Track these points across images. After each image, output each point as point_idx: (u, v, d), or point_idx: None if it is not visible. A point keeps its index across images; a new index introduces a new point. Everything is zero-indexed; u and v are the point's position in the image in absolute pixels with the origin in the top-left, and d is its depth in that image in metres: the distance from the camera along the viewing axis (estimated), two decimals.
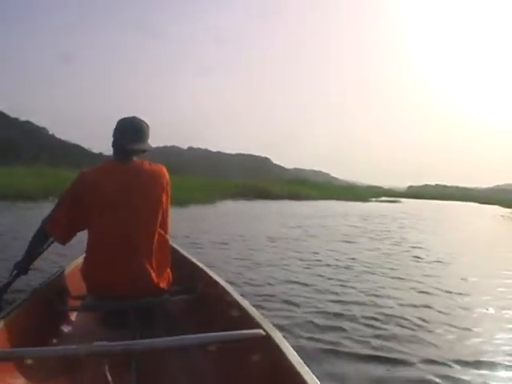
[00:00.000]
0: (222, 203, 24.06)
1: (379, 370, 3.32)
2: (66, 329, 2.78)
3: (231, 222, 14.87)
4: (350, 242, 10.98)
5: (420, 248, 10.33)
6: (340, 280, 6.32)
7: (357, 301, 5.16)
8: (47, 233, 2.67)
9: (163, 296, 2.63)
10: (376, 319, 4.44)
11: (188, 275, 3.15)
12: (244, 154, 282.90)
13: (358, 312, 4.65)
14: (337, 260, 8.11)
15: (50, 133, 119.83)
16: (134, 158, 2.67)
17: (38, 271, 3.89)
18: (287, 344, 1.82)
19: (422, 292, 5.88)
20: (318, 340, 3.79)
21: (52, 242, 2.81)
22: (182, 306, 2.90)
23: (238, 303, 2.39)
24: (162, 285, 2.59)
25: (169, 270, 2.69)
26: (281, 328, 2.87)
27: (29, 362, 1.96)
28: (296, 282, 6.03)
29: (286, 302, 4.95)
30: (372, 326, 4.23)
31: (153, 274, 2.53)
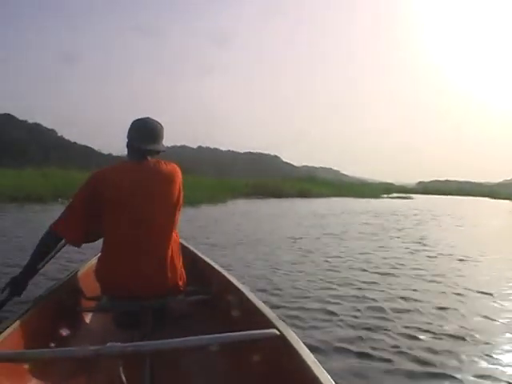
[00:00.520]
0: (233, 203, 23.83)
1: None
2: (80, 330, 2.77)
3: (246, 222, 14.53)
4: (371, 240, 10.65)
5: (446, 246, 10.00)
6: (372, 283, 5.96)
7: (395, 308, 4.78)
8: (58, 234, 2.54)
9: (178, 296, 2.63)
10: (417, 329, 4.10)
11: (202, 275, 3.14)
12: (254, 153, 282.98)
13: (396, 320, 4.34)
14: (362, 261, 7.74)
15: (59, 134, 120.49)
16: (149, 158, 2.63)
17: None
18: (302, 344, 1.79)
19: (459, 294, 5.52)
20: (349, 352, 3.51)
21: (63, 246, 2.71)
22: (196, 307, 2.86)
23: (252, 303, 2.36)
24: (177, 285, 2.58)
25: (183, 271, 2.67)
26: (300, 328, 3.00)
27: (43, 363, 1.99)
28: (325, 287, 5.59)
29: (319, 310, 4.59)
30: (411, 337, 3.92)
31: (168, 275, 2.52)
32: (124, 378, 1.64)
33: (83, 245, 2.62)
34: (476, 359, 3.45)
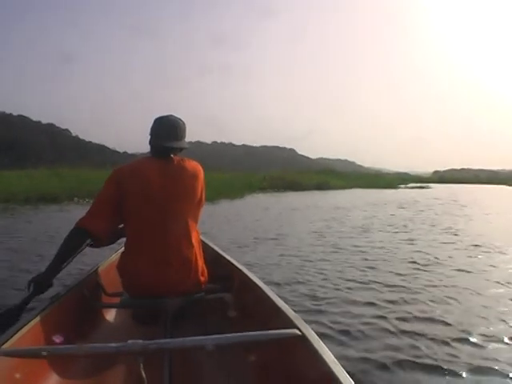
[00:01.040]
0: (251, 197, 23.47)
1: None
2: (100, 326, 2.78)
3: (267, 217, 13.77)
4: (403, 232, 10.06)
5: (483, 237, 9.50)
6: (415, 280, 5.46)
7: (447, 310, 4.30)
8: (84, 229, 2.47)
9: (199, 294, 2.64)
10: (476, 335, 3.63)
11: (222, 273, 3.09)
12: (269, 146, 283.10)
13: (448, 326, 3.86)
14: (400, 255, 7.21)
15: (74, 134, 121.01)
16: (172, 156, 2.65)
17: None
18: (323, 344, 1.75)
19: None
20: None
21: (86, 245, 2.62)
22: (217, 304, 2.83)
23: (273, 302, 2.30)
24: (198, 283, 2.60)
25: (204, 269, 2.66)
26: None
27: (64, 358, 2.00)
28: (365, 287, 5.12)
29: (360, 316, 4.09)
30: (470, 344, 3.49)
31: (190, 273, 2.53)
32: (144, 375, 1.65)
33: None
34: None
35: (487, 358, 3.17)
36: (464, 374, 2.94)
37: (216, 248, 3.60)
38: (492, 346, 3.42)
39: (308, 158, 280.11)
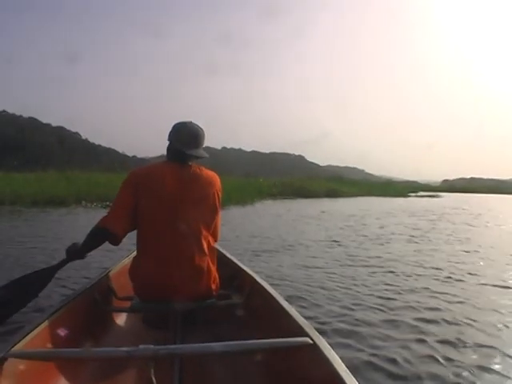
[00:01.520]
0: (261, 203, 23.06)
1: None
2: (110, 329, 2.79)
3: (279, 224, 13.13)
4: (426, 243, 9.71)
5: (504, 248, 9.26)
6: (444, 297, 5.06)
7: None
8: (107, 230, 2.52)
9: (210, 300, 2.63)
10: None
11: (234, 280, 3.12)
12: (278, 153, 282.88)
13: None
14: (425, 269, 6.80)
15: (84, 137, 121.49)
16: (190, 163, 2.68)
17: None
18: (334, 353, 1.73)
19: None
20: None
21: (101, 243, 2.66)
22: (227, 311, 2.81)
23: (285, 310, 2.30)
24: (210, 289, 2.60)
25: (216, 275, 2.66)
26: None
27: (74, 361, 2.03)
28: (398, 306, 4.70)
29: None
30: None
31: (202, 279, 2.54)
32: (154, 380, 1.65)
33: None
34: None
35: None
36: None
37: (227, 254, 3.59)
38: None
39: (317, 165, 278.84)
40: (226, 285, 2.89)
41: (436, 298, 5.02)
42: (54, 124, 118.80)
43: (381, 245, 9.39)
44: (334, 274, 6.17)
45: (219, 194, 2.71)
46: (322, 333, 2.02)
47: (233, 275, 3.18)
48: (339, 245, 9.15)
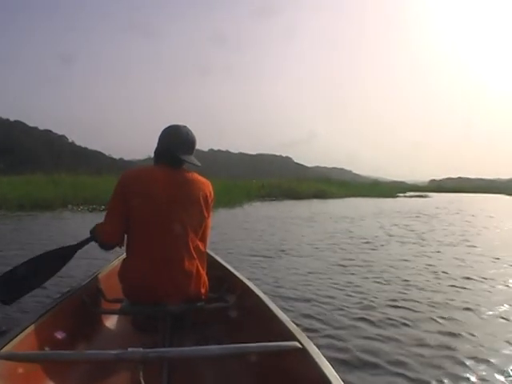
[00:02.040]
0: (250, 205, 22.97)
1: None
2: (99, 332, 2.80)
3: (270, 227, 12.87)
4: (425, 245, 9.58)
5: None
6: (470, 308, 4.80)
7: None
8: (99, 237, 2.62)
9: (199, 303, 2.61)
10: None
11: (223, 283, 3.10)
12: (265, 154, 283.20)
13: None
14: (430, 273, 6.59)
15: (70, 140, 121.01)
16: (182, 167, 2.66)
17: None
18: (323, 357, 1.72)
19: None
20: None
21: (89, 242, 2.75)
22: (217, 314, 2.82)
23: (274, 314, 2.29)
24: (199, 292, 2.59)
25: (205, 278, 2.64)
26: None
27: (62, 364, 2.01)
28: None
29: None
30: None
31: (190, 282, 2.52)
32: (143, 383, 1.64)
33: None
34: None
35: None
36: None
37: (218, 258, 3.58)
38: None
39: (304, 166, 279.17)
40: (215, 288, 2.88)
41: (440, 302, 4.95)
42: (40, 127, 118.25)
43: (380, 247, 9.29)
44: (337, 283, 5.89)
45: (210, 199, 2.68)
46: (312, 337, 2.09)
47: (223, 279, 3.17)
48: (340, 249, 8.92)
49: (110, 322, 2.99)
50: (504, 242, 10.56)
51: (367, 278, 6.18)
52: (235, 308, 2.80)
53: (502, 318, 4.40)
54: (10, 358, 1.75)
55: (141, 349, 1.67)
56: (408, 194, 48.79)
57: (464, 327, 4.05)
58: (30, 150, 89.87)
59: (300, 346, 1.82)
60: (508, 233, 13.01)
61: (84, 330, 2.59)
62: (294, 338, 1.91)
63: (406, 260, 7.74)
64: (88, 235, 2.67)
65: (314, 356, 1.74)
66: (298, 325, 2.12)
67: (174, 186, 2.55)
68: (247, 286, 2.86)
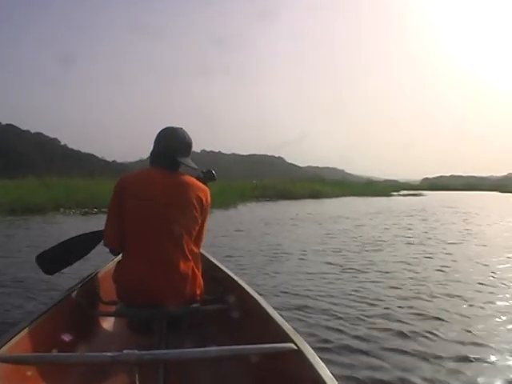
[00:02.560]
0: (244, 206, 22.82)
1: None
2: (95, 334, 2.81)
3: (268, 229, 12.69)
4: (431, 246, 9.34)
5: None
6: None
7: None
8: (106, 244, 2.70)
9: (195, 305, 2.61)
10: None
11: (219, 285, 3.09)
12: (257, 155, 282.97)
13: None
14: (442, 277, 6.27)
15: (62, 143, 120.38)
16: (179, 170, 2.67)
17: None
18: (318, 359, 1.73)
19: None
20: None
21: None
22: (212, 316, 2.81)
23: (270, 316, 2.29)
24: (194, 294, 2.58)
25: (201, 280, 2.65)
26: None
27: (58, 366, 2.05)
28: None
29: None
30: None
31: (185, 284, 2.51)
32: None
33: None
34: None
35: None
36: None
37: (213, 260, 3.58)
38: None
39: (297, 166, 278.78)
40: (211, 290, 2.87)
41: (446, 305, 4.81)
42: (32, 130, 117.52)
43: (385, 248, 9.08)
44: (346, 287, 5.61)
45: (206, 204, 2.67)
46: (307, 339, 2.02)
47: (218, 281, 3.17)
48: (343, 250, 8.67)
49: (106, 324, 3.02)
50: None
51: (378, 281, 5.94)
52: (231, 310, 2.78)
53: None
54: (5, 360, 1.74)
55: (136, 351, 1.65)
56: (402, 192, 48.86)
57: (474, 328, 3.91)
58: (22, 154, 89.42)
59: (295, 347, 1.82)
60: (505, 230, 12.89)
61: (80, 332, 2.57)
62: (290, 340, 1.91)
63: (414, 260, 7.57)
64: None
65: (310, 357, 1.75)
66: (294, 327, 2.09)
67: (170, 188, 2.55)
68: (243, 288, 2.87)
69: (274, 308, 2.41)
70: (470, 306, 4.78)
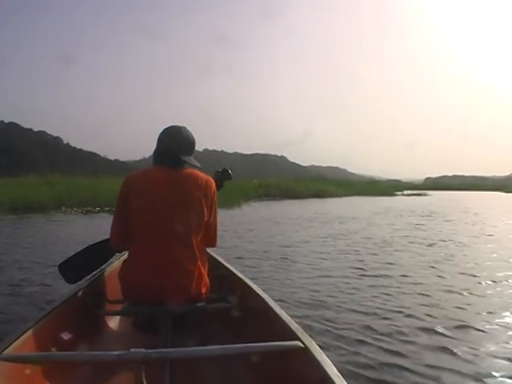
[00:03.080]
0: (248, 206, 22.53)
1: None
2: (101, 333, 2.80)
3: (276, 228, 12.41)
4: (450, 248, 8.95)
5: None
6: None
7: None
8: (111, 245, 2.74)
9: (200, 303, 2.59)
10: None
11: (225, 283, 3.09)
12: (260, 154, 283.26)
13: None
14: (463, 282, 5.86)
15: (65, 142, 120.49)
16: (183, 167, 2.64)
17: None
18: (325, 356, 1.71)
19: None
20: None
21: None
22: (218, 314, 2.80)
23: (276, 314, 2.26)
24: (200, 292, 2.56)
25: (207, 279, 2.62)
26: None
27: (65, 365, 2.02)
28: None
29: None
30: None
31: (191, 282, 2.49)
32: (145, 383, 1.64)
33: None
34: None
35: None
36: None
37: (219, 258, 3.55)
38: None
39: (299, 165, 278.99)
40: (216, 288, 2.88)
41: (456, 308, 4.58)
42: (35, 129, 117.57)
43: (403, 250, 8.72)
44: (361, 291, 5.31)
45: (213, 197, 2.65)
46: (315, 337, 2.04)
47: (224, 279, 3.17)
48: (357, 253, 8.22)
49: (112, 322, 3.01)
50: None
51: (403, 286, 5.57)
52: (237, 308, 2.79)
53: None
54: (12, 359, 1.76)
55: (143, 349, 1.66)
56: (405, 192, 48.66)
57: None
58: (24, 152, 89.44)
59: (302, 345, 1.82)
60: None
61: (86, 331, 2.59)
62: (296, 338, 1.90)
63: (436, 263, 7.21)
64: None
65: (317, 355, 1.74)
66: (303, 326, 2.05)
67: (175, 186, 2.54)
68: (249, 286, 2.85)
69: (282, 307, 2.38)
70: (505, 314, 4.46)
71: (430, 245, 9.35)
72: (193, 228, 2.55)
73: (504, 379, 2.98)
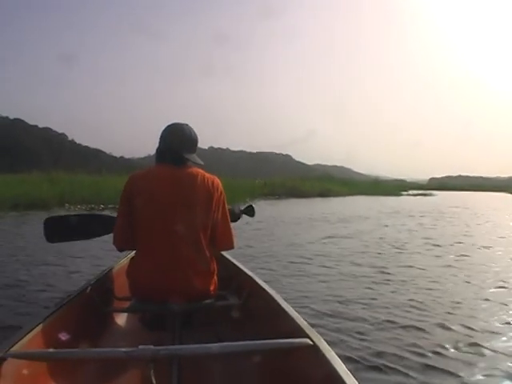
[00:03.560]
0: (254, 204, 21.99)
1: None
2: (109, 330, 2.84)
3: (284, 228, 12.24)
4: (470, 250, 8.73)
5: None
6: None
7: None
8: (114, 244, 2.68)
9: (208, 300, 2.56)
10: None
11: (233, 281, 3.07)
12: (265, 152, 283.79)
13: None
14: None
15: (70, 138, 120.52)
16: (187, 165, 2.62)
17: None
18: (334, 354, 1.71)
19: None
20: None
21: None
22: (227, 312, 2.76)
23: (285, 311, 2.26)
24: (207, 290, 2.54)
25: (215, 276, 2.59)
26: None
27: (73, 362, 2.04)
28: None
29: None
30: None
31: (199, 279, 2.49)
32: (154, 381, 1.63)
33: None
34: None
35: None
36: None
37: (227, 255, 3.49)
38: None
39: (305, 164, 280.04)
40: (224, 286, 2.84)
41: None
42: (40, 125, 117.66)
43: (419, 251, 8.51)
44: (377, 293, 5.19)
45: (220, 196, 2.60)
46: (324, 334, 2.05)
47: (231, 276, 3.15)
48: (372, 254, 8.04)
49: (120, 320, 3.03)
50: None
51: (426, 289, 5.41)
52: (244, 305, 2.80)
53: None
54: (20, 356, 1.76)
55: (151, 346, 1.65)
56: (411, 192, 48.65)
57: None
58: (29, 149, 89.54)
59: (311, 342, 1.80)
60: None
61: (94, 328, 2.63)
62: (305, 335, 1.89)
63: (455, 264, 7.12)
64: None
65: (325, 353, 1.73)
66: (312, 325, 2.04)
67: (178, 184, 2.52)
68: (257, 283, 2.84)
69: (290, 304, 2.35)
70: None
71: (442, 245, 9.25)
72: (198, 226, 2.51)
73: None
